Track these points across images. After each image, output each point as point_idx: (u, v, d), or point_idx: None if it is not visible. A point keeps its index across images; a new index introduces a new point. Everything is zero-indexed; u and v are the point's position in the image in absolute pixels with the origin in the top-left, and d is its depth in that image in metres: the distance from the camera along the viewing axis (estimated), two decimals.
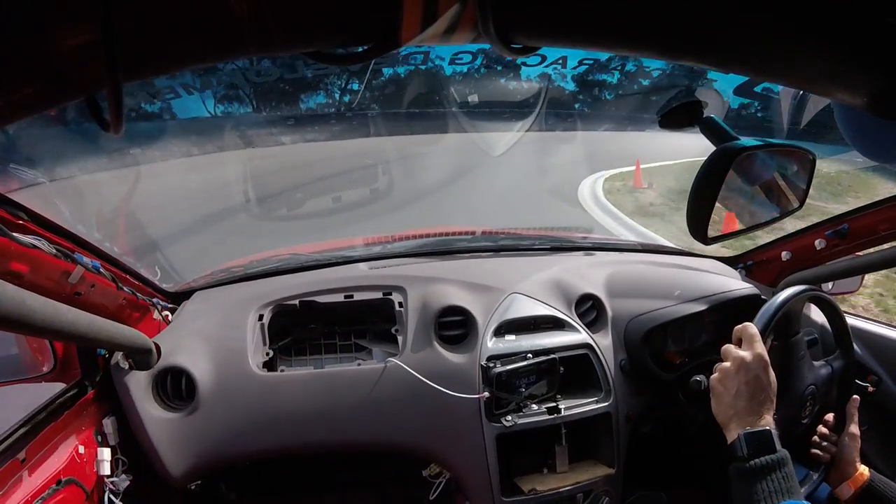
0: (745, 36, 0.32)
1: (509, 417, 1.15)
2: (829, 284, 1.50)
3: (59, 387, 1.04)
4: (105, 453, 1.04)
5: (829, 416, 1.09)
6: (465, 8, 0.27)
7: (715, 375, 0.83)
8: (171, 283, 1.30)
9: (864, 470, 1.00)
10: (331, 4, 0.27)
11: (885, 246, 1.29)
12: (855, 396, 1.06)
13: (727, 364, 0.81)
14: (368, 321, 1.32)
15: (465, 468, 1.20)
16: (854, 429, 1.04)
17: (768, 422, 0.75)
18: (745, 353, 0.80)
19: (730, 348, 0.84)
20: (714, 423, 0.85)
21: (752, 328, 0.84)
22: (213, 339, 1.18)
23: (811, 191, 0.70)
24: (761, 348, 0.81)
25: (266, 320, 1.22)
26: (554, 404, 1.19)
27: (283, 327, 1.27)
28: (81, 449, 0.99)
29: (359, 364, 1.22)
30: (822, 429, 1.08)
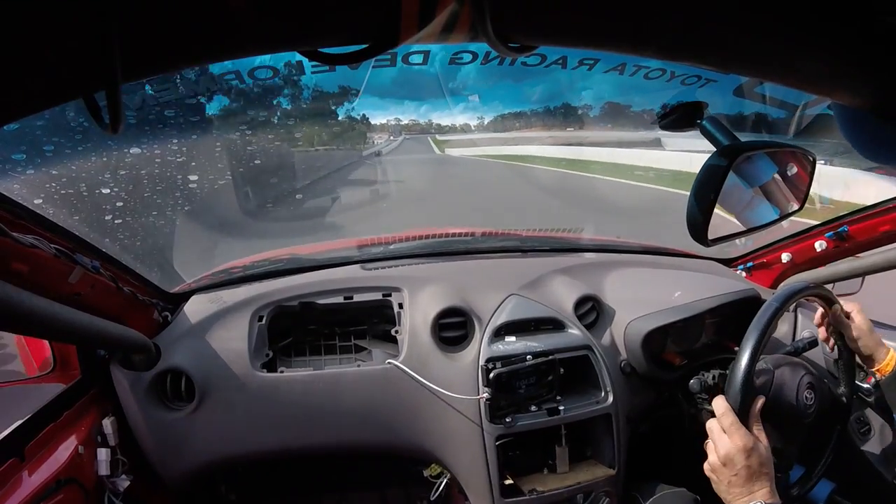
0: (745, 36, 0.31)
1: (509, 418, 1.15)
2: (830, 286, 1.50)
3: (59, 387, 1.04)
4: (105, 453, 1.04)
5: (818, 316, 1.11)
6: (463, 7, 0.27)
7: (706, 465, 0.88)
8: (171, 284, 1.30)
9: (890, 356, 1.02)
10: (329, 3, 0.27)
11: (886, 247, 1.29)
12: (834, 307, 1.06)
13: (713, 458, 0.87)
14: (368, 322, 1.32)
15: (465, 469, 1.20)
16: (854, 328, 1.04)
17: (763, 494, 0.82)
18: (728, 448, 0.84)
19: (713, 431, 0.88)
20: None
21: (721, 408, 0.88)
22: (212, 339, 1.18)
23: None
24: (741, 437, 0.84)
25: (266, 321, 1.22)
26: (554, 405, 1.19)
27: (283, 328, 1.27)
28: (81, 449, 0.99)
29: (359, 365, 1.22)
30: (822, 331, 1.11)
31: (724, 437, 0.85)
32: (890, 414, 1.06)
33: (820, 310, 1.08)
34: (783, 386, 1.01)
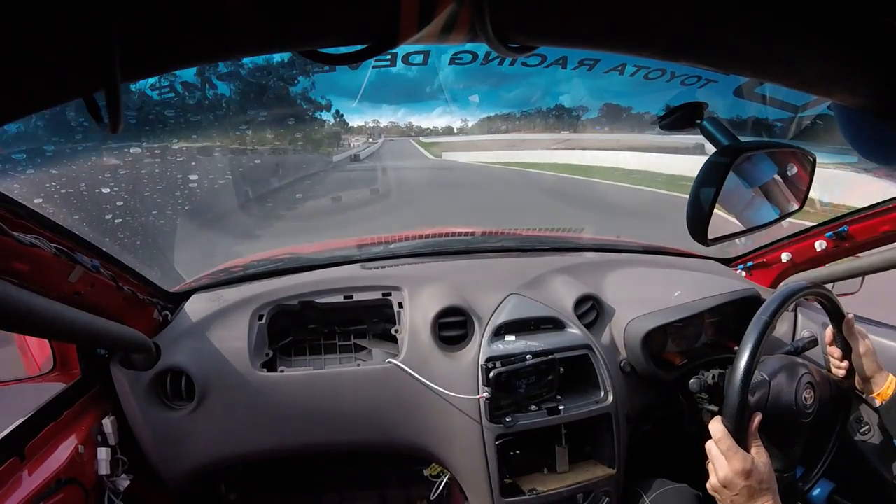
0: (745, 36, 0.31)
1: (509, 418, 1.15)
2: (830, 286, 1.50)
3: (59, 387, 1.04)
4: (105, 453, 1.04)
5: (828, 333, 1.10)
6: (463, 7, 0.27)
7: (708, 485, 0.89)
8: (172, 283, 1.30)
9: (889, 381, 1.03)
10: (328, 3, 0.27)
11: (886, 247, 1.29)
12: (849, 316, 1.06)
13: (714, 480, 0.87)
14: (368, 321, 1.32)
15: (465, 468, 1.20)
16: (862, 345, 1.05)
17: None
18: (727, 472, 0.85)
19: (711, 453, 0.88)
20: None
21: (718, 432, 0.88)
22: (212, 339, 1.18)
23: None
24: (739, 460, 0.84)
25: (266, 320, 1.22)
26: (554, 405, 1.19)
27: (283, 327, 1.27)
28: (81, 449, 0.99)
29: (359, 365, 1.22)
30: (832, 350, 1.10)
31: (723, 460, 0.86)
32: (890, 438, 1.07)
33: (831, 328, 1.08)
34: (781, 392, 1.00)
